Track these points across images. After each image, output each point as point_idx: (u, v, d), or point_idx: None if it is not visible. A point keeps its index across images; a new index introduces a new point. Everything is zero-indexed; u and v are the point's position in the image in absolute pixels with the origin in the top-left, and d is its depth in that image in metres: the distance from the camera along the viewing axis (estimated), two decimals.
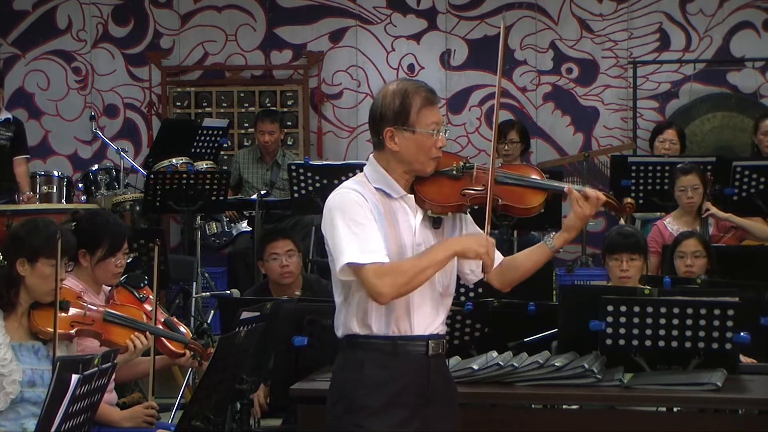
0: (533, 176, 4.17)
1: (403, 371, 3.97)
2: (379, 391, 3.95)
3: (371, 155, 4.11)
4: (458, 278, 4.24)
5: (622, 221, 8.44)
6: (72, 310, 4.69)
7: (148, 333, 4.95)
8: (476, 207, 4.12)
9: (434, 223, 4.06)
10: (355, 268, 3.89)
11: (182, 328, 5.36)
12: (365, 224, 3.92)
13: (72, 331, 4.65)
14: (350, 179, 4.11)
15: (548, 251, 4.15)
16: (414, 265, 3.91)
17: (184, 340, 5.17)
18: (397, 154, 4.00)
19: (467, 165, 4.11)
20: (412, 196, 4.04)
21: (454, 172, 4.08)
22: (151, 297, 5.25)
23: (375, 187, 4.02)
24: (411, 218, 4.03)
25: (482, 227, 4.09)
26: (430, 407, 4.01)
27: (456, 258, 4.10)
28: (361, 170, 8.46)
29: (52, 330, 4.57)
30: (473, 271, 4.18)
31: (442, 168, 4.07)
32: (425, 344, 4.01)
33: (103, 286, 5.24)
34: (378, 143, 4.04)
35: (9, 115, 8.89)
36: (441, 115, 4.05)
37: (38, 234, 4.58)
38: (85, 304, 4.79)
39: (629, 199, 4.28)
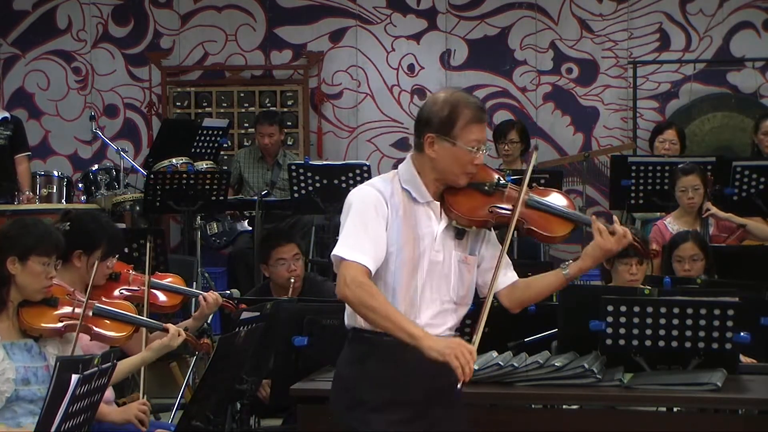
0: (564, 204, 4.16)
1: (406, 370, 3.96)
2: (382, 387, 3.95)
3: (410, 154, 4.10)
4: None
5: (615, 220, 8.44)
6: (61, 307, 4.69)
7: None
8: (504, 226, 4.09)
9: (458, 233, 4.06)
10: (337, 259, 3.92)
11: (168, 279, 5.52)
12: (371, 226, 3.93)
13: (60, 326, 4.64)
14: (383, 175, 4.12)
15: (563, 278, 4.14)
16: (386, 306, 3.87)
17: (176, 289, 5.38)
18: (432, 160, 4.01)
19: (501, 183, 4.10)
20: (438, 203, 4.04)
21: (486, 187, 4.08)
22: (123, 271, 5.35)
23: (403, 187, 4.02)
24: (434, 224, 4.02)
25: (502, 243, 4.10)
26: (436, 407, 4.02)
27: (476, 267, 4.11)
28: (361, 170, 8.52)
29: (40, 327, 4.58)
30: (486, 284, 4.15)
31: (477, 180, 4.07)
32: None
33: None
34: (418, 145, 4.05)
35: (6, 114, 8.91)
36: (485, 135, 4.05)
37: (29, 232, 4.58)
38: (74, 301, 4.78)
39: (656, 246, 4.27)
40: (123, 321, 4.90)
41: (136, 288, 5.34)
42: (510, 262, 4.18)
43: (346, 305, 4.02)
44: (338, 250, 3.92)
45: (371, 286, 3.90)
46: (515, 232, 4.10)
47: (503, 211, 4.06)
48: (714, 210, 7.57)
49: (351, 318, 4.03)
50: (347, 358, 4.05)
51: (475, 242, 4.12)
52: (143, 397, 5.06)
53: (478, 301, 5.46)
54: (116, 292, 5.29)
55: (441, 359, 3.82)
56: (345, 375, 4.04)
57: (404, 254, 3.96)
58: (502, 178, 4.12)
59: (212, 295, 5.54)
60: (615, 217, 4.20)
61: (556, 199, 4.18)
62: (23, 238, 4.57)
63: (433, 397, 4.02)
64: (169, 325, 5.00)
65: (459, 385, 3.81)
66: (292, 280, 6.54)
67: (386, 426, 3.94)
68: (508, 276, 4.16)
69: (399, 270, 3.96)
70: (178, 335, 4.96)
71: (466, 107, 3.99)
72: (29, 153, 8.96)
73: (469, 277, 4.09)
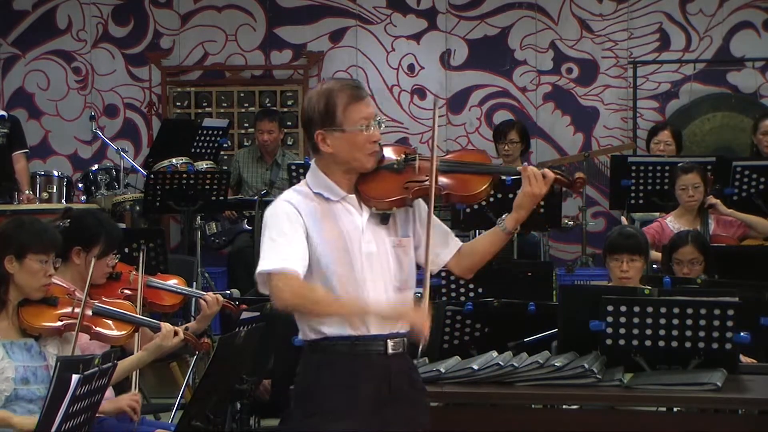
0: (476, 160, 4.11)
1: (363, 372, 3.93)
2: (339, 393, 3.92)
3: (312, 160, 4.06)
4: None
5: (624, 220, 8.45)
6: (61, 306, 4.69)
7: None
8: (423, 198, 4.03)
9: (382, 219, 4.00)
10: (263, 277, 3.88)
11: (171, 281, 5.53)
12: (288, 234, 3.88)
13: (59, 324, 4.64)
14: (292, 187, 4.08)
15: (502, 234, 4.08)
16: (325, 297, 3.87)
17: (176, 290, 5.36)
18: (332, 155, 3.95)
19: (409, 157, 4.04)
20: (354, 195, 3.99)
21: (395, 165, 4.02)
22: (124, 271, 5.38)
23: (314, 192, 3.98)
24: (357, 218, 3.98)
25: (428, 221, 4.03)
26: (393, 407, 3.97)
27: (413, 249, 4.06)
28: None
29: (40, 326, 4.59)
30: (432, 261, 4.07)
31: (386, 162, 4.02)
32: (384, 343, 3.96)
33: None
34: (314, 147, 4.00)
35: (3, 113, 8.92)
36: (371, 109, 3.98)
37: (25, 230, 4.59)
38: (74, 300, 4.78)
39: (580, 174, 4.22)
40: (123, 320, 4.90)
41: (136, 288, 5.35)
42: (449, 230, 4.13)
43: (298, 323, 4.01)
44: (261, 266, 3.86)
45: (304, 285, 3.86)
46: (437, 201, 4.01)
47: (417, 184, 3.99)
48: (717, 202, 7.57)
49: (302, 333, 4.02)
50: (303, 369, 4.02)
51: (405, 224, 4.07)
52: (135, 389, 5.06)
53: (476, 302, 5.50)
54: (117, 292, 5.30)
55: (395, 320, 3.89)
56: (301, 385, 4.01)
57: (335, 252, 3.91)
58: (409, 154, 4.05)
59: (213, 297, 5.53)
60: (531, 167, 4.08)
61: (467, 158, 4.13)
62: (20, 236, 4.58)
63: (391, 401, 3.97)
64: (163, 324, 4.97)
65: (420, 347, 3.88)
66: None
67: (343, 429, 3.90)
68: (451, 246, 4.10)
69: (333, 273, 3.92)
70: (174, 335, 4.94)
71: (339, 91, 3.94)
72: (27, 151, 8.97)
73: (407, 260, 4.04)
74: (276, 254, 3.85)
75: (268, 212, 3.96)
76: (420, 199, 4.07)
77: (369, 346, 3.95)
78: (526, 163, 4.14)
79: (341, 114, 3.92)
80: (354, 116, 3.93)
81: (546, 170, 4.03)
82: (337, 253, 3.92)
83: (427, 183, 3.97)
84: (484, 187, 4.03)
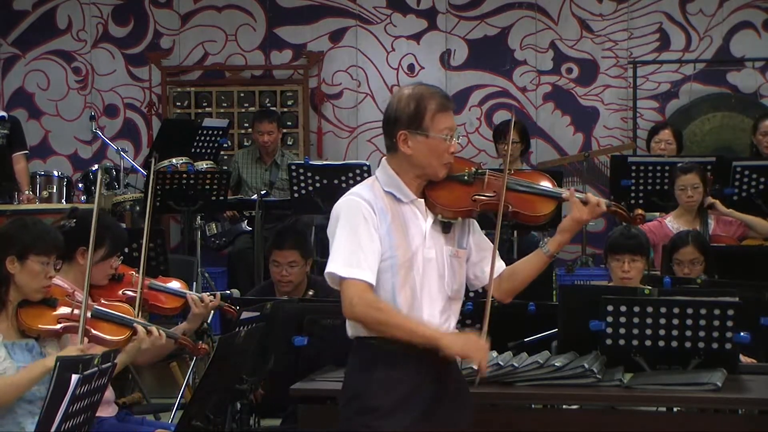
0: (544, 183, 4.19)
1: (413, 372, 3.98)
2: (390, 391, 3.96)
3: (384, 158, 4.12)
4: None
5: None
6: (60, 307, 4.68)
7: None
8: (489, 213, 4.13)
9: (444, 227, 4.08)
10: (335, 278, 3.94)
11: (172, 284, 5.50)
12: (363, 237, 3.93)
13: (58, 327, 4.63)
14: (362, 183, 4.13)
15: (545, 257, 4.18)
16: (396, 316, 3.93)
17: (176, 292, 5.36)
18: (409, 157, 4.02)
19: (480, 171, 4.13)
20: (423, 200, 4.06)
21: (466, 177, 4.11)
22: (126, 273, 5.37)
23: (385, 191, 4.03)
24: (422, 222, 4.04)
25: (493, 232, 4.10)
26: (441, 408, 4.02)
27: (466, 261, 4.13)
28: (361, 170, 8.45)
29: (38, 328, 4.57)
30: (477, 277, 4.20)
31: (455, 173, 4.09)
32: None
33: None
34: (391, 146, 4.06)
35: (3, 113, 8.92)
36: (454, 121, 4.07)
37: (28, 231, 4.58)
38: (73, 302, 4.77)
39: (640, 210, 4.28)
40: (121, 324, 4.88)
41: (138, 290, 5.34)
42: (496, 250, 4.18)
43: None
44: (335, 268, 3.93)
45: (377, 301, 3.92)
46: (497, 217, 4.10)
47: (486, 198, 4.08)
48: (717, 202, 7.57)
49: (353, 328, 4.04)
50: (354, 366, 4.06)
51: (462, 235, 4.14)
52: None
53: (477, 301, 5.49)
54: (118, 293, 5.29)
55: (460, 356, 3.94)
56: (353, 383, 4.05)
57: (399, 257, 3.97)
58: (479, 167, 4.14)
59: (197, 298, 5.48)
60: (588, 194, 4.20)
61: (536, 180, 4.21)
62: (22, 237, 4.58)
63: (440, 399, 4.02)
64: (137, 326, 4.87)
65: (477, 381, 3.95)
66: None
67: (395, 429, 3.94)
68: (496, 267, 4.16)
69: (396, 273, 3.97)
70: (148, 333, 4.88)
71: (430, 98, 4.02)
72: (27, 152, 8.98)
73: (460, 271, 4.12)
74: (351, 259, 3.92)
75: (343, 206, 4.01)
76: (473, 219, 4.15)
77: (420, 347, 3.96)
78: (572, 189, 4.17)
79: (429, 120, 4.00)
80: (440, 125, 4.01)
81: (600, 201, 4.11)
82: (402, 259, 3.97)
83: (494, 198, 4.06)
84: (549, 211, 4.14)
